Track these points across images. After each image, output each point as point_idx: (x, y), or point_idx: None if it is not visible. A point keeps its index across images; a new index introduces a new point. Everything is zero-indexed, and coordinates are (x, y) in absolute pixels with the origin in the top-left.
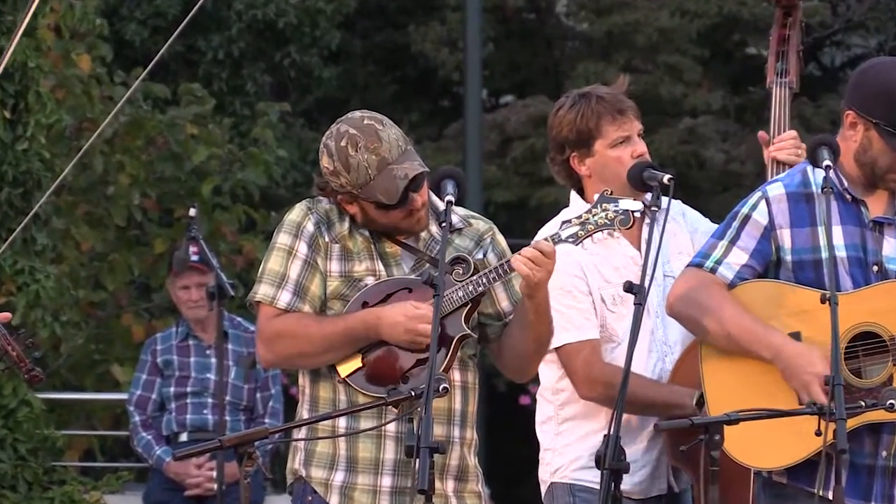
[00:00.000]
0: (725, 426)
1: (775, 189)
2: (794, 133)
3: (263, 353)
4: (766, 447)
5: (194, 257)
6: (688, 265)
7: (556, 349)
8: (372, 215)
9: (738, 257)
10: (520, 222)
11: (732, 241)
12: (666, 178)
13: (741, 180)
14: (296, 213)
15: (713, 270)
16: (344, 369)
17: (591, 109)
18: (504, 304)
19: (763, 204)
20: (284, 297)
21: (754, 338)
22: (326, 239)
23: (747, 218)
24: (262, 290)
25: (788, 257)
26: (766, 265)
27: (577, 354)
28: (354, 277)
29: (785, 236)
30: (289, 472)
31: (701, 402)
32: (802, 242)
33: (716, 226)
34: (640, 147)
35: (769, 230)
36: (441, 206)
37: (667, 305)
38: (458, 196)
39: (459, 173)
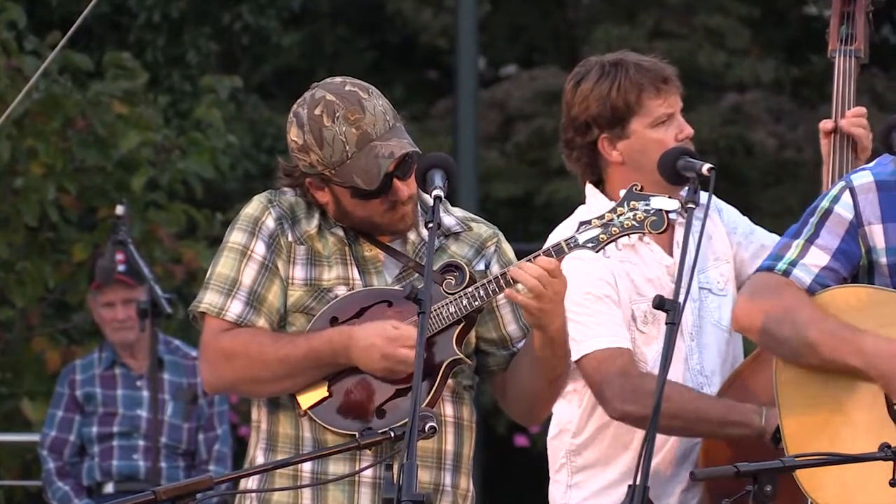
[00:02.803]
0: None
1: (862, 177)
2: (862, 110)
3: (207, 377)
4: (849, 485)
5: (121, 267)
6: (756, 269)
7: (584, 357)
8: (346, 205)
9: (818, 258)
10: (524, 222)
11: (810, 240)
12: (706, 167)
13: (798, 170)
14: (253, 206)
15: (786, 273)
16: (305, 399)
17: (629, 80)
18: (511, 327)
19: (847, 195)
20: (235, 308)
21: (840, 342)
22: (290, 238)
23: (828, 212)
24: (209, 299)
25: (883, 259)
26: (854, 270)
27: (613, 362)
28: (322, 287)
29: (876, 233)
30: None
31: (777, 437)
32: None
33: (756, 226)
34: (687, 128)
35: (856, 227)
36: (431, 203)
37: (732, 319)
38: (448, 190)
39: (449, 162)
